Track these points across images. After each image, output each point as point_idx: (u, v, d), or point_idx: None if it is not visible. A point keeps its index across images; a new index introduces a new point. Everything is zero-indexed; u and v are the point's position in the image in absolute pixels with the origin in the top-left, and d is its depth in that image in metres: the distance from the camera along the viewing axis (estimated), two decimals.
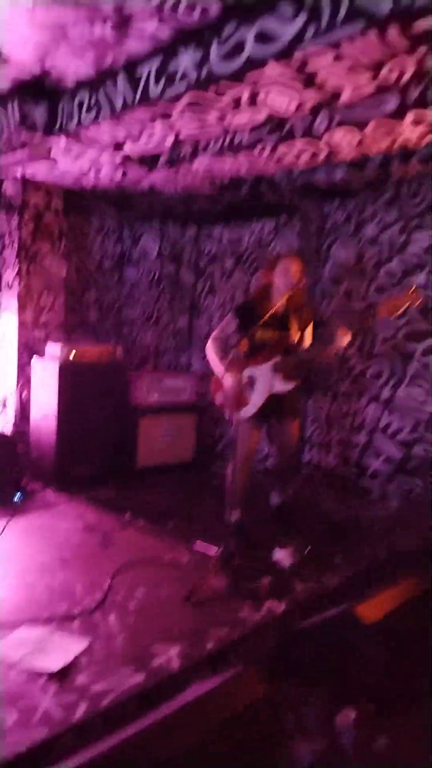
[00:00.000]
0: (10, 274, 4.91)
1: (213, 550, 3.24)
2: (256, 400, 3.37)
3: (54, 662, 2.25)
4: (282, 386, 3.35)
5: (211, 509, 4.03)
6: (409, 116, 2.88)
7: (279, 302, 3.21)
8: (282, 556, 3.22)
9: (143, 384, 4.96)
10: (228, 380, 3.32)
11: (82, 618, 2.60)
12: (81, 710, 2.00)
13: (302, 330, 3.46)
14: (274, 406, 3.40)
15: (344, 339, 3.22)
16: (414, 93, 2.67)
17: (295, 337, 3.42)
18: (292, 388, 3.39)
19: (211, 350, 3.47)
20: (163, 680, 2.20)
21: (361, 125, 3.02)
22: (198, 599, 2.78)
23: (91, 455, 4.63)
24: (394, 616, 2.41)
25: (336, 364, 4.58)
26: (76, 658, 2.29)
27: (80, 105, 3.26)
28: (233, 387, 3.27)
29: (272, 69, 2.41)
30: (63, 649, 2.34)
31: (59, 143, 3.59)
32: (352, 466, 4.80)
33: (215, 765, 1.87)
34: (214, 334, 3.49)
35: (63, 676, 2.18)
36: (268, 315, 3.14)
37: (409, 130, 3.08)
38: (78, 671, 2.22)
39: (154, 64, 2.81)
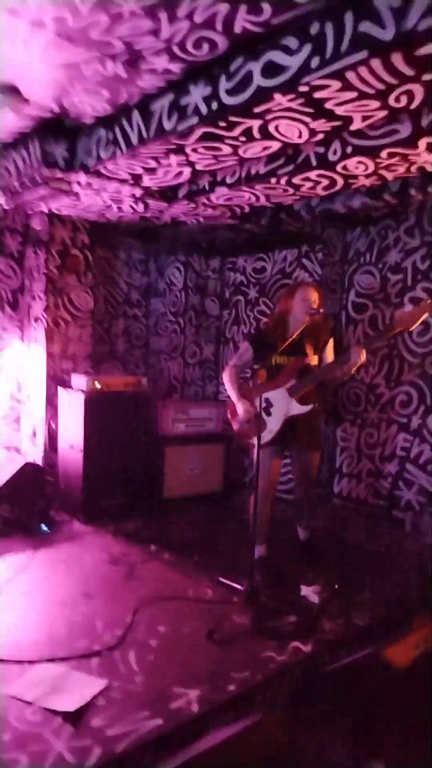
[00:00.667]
0: (38, 307, 5.01)
1: (238, 586, 3.15)
2: (272, 425, 3.31)
3: (70, 703, 2.19)
4: (298, 409, 3.30)
5: (237, 542, 3.94)
6: (424, 142, 2.84)
7: (297, 329, 3.17)
8: (309, 592, 3.11)
9: (169, 414, 4.95)
10: (242, 406, 3.29)
11: (102, 656, 2.54)
12: (95, 755, 1.94)
13: (319, 353, 3.43)
14: (292, 433, 3.33)
15: (359, 357, 3.17)
16: (426, 118, 2.64)
17: (312, 360, 3.38)
18: (309, 410, 3.32)
19: (227, 378, 3.47)
20: (181, 725, 2.12)
21: (375, 152, 2.99)
22: (221, 637, 2.70)
23: (118, 486, 4.62)
24: (426, 661, 2.26)
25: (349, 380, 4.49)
26: (93, 698, 2.23)
27: (98, 141, 3.34)
28: (248, 412, 3.23)
29: (280, 100, 2.42)
30: (80, 689, 2.29)
31: (80, 179, 3.68)
32: (384, 498, 4.65)
33: None
34: (231, 362, 3.50)
35: (78, 717, 2.12)
36: (287, 343, 3.10)
37: (425, 155, 3.03)
38: (94, 713, 2.16)
39: (166, 100, 2.86)
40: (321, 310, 3.34)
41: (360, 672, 2.32)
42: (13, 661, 2.48)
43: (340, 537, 4.23)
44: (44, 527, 4.16)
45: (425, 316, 3.13)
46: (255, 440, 3.07)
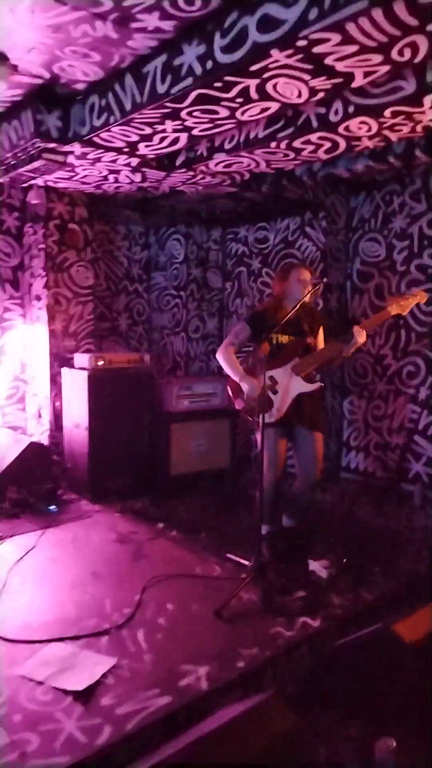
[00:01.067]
0: (38, 285, 4.93)
1: (246, 562, 3.13)
2: (279, 404, 3.24)
3: (79, 681, 2.19)
4: (304, 387, 3.23)
5: (244, 519, 3.92)
6: (429, 99, 2.70)
7: (293, 309, 3.11)
8: (317, 568, 3.08)
9: (173, 390, 4.90)
10: (247, 383, 3.21)
11: (110, 635, 2.53)
12: (105, 734, 1.94)
13: (315, 334, 3.39)
14: (298, 412, 3.27)
15: (361, 337, 3.13)
16: None
17: (310, 340, 3.34)
18: (315, 389, 3.27)
19: (224, 356, 3.35)
20: (190, 702, 2.11)
21: (378, 111, 2.86)
22: (229, 615, 2.68)
23: (124, 464, 4.59)
24: None
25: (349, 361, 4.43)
26: (102, 677, 2.22)
27: (91, 109, 3.22)
28: (255, 390, 3.15)
29: (277, 56, 2.29)
30: (89, 668, 2.28)
31: (74, 149, 3.57)
32: (392, 470, 4.60)
33: None
34: (227, 340, 3.39)
35: (88, 696, 2.12)
36: (283, 321, 3.03)
37: (430, 113, 2.89)
38: (103, 692, 2.15)
39: (159, 61, 2.73)
40: (315, 290, 3.28)
41: (369, 647, 2.29)
42: (23, 641, 2.48)
43: (348, 511, 4.19)
44: (51, 507, 4.15)
45: (415, 302, 3.23)
46: (260, 419, 3.00)
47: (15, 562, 3.28)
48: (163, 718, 2.02)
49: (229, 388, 3.42)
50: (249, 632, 2.54)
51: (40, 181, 4.45)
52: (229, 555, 3.29)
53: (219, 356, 3.38)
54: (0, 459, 4.35)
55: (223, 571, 3.16)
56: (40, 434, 4.98)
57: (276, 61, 2.34)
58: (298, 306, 3.09)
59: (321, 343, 3.44)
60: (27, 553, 3.41)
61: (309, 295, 3.20)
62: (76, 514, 4.14)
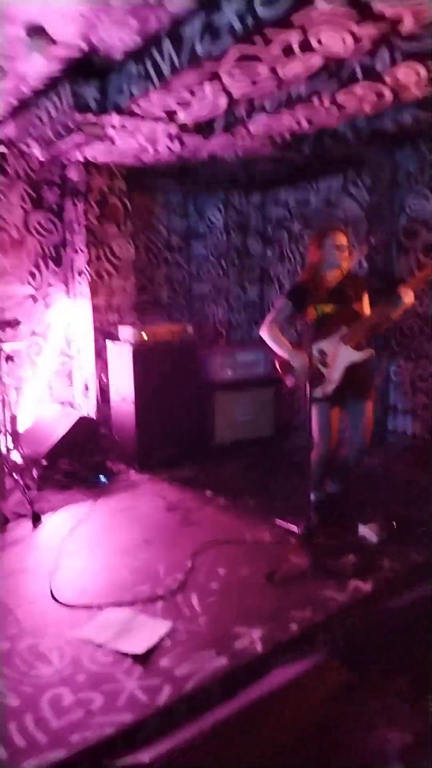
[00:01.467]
0: (80, 260, 4.97)
1: (295, 528, 3.15)
2: (333, 375, 3.18)
3: (138, 644, 2.26)
4: (356, 356, 3.16)
5: (291, 485, 3.93)
6: None
7: (333, 276, 3.01)
8: (367, 532, 3.07)
9: (216, 360, 4.89)
10: (297, 358, 3.15)
11: (165, 599, 2.60)
12: (165, 694, 2.01)
13: (360, 300, 3.26)
14: (349, 382, 3.21)
15: (408, 297, 3.01)
16: None
17: (356, 307, 3.23)
18: (367, 357, 3.19)
19: (268, 333, 3.26)
20: (246, 663, 2.16)
21: (427, 57, 2.70)
22: (280, 578, 2.71)
23: (170, 435, 4.65)
24: None
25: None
26: (160, 640, 2.29)
27: (129, 78, 3.16)
28: (306, 364, 3.08)
29: (321, 6, 2.18)
30: (147, 632, 2.36)
31: (113, 121, 3.52)
32: None
33: (301, 754, 1.79)
34: (268, 317, 3.29)
35: (147, 658, 2.19)
36: (323, 291, 2.94)
37: None
38: (161, 654, 2.22)
39: (197, 22, 2.64)
40: (352, 254, 3.18)
41: (421, 609, 2.28)
42: (82, 606, 2.57)
43: (396, 474, 4.15)
44: (102, 478, 4.25)
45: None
46: (312, 392, 2.95)
47: (70, 530, 3.39)
48: (220, 678, 2.08)
49: (277, 364, 3.36)
50: (300, 596, 2.57)
51: (79, 156, 4.43)
52: (277, 521, 3.31)
53: (263, 334, 3.30)
54: (51, 433, 4.46)
55: (272, 537, 3.19)
56: (88, 408, 5.08)
57: (321, 11, 2.23)
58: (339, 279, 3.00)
59: (367, 308, 3.32)
60: (80, 522, 3.52)
61: (348, 261, 3.11)
62: (125, 484, 4.23)
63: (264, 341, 3.30)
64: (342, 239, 3.19)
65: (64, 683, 2.07)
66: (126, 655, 2.21)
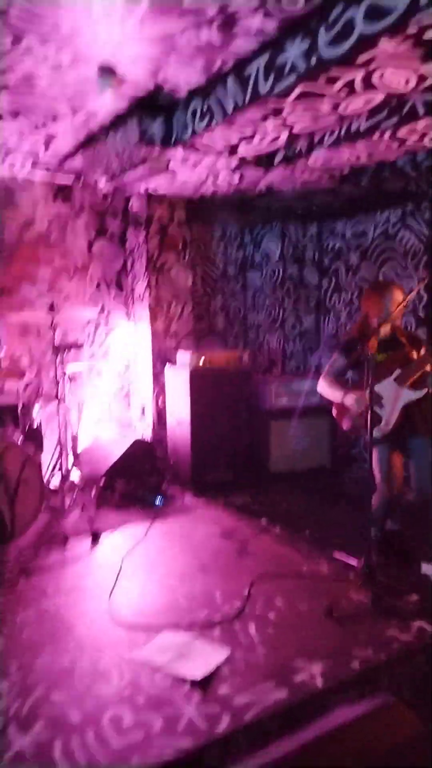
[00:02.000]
0: (141, 287, 5.14)
1: (354, 562, 3.09)
2: (387, 417, 3.17)
3: (196, 670, 2.26)
4: (411, 395, 3.14)
5: (349, 518, 3.86)
6: None
7: (385, 331, 3.10)
8: (430, 571, 2.98)
9: (271, 388, 4.91)
10: (352, 398, 3.18)
11: (223, 626, 2.60)
12: (225, 723, 1.99)
13: (417, 349, 3.25)
14: (408, 422, 3.18)
15: None
16: None
17: (410, 350, 3.23)
18: (423, 395, 3.15)
19: (325, 386, 3.39)
20: (306, 698, 2.12)
21: None
22: (340, 614, 2.65)
23: (225, 460, 4.67)
24: None
25: None
26: (218, 667, 2.29)
27: (193, 114, 3.30)
28: (361, 403, 3.09)
29: (386, 46, 2.23)
30: (205, 657, 2.35)
31: (176, 154, 3.67)
32: None
33: None
34: (324, 372, 3.42)
35: (205, 684, 2.19)
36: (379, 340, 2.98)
37: None
38: (220, 681, 2.21)
39: (261, 61, 2.74)
40: (402, 308, 3.18)
41: None
42: (140, 627, 2.60)
43: None
44: (157, 500, 4.31)
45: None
46: (368, 433, 2.93)
47: (127, 551, 3.44)
48: (280, 711, 2.05)
49: (334, 411, 3.40)
50: (361, 633, 2.51)
51: (141, 188, 4.62)
52: (336, 554, 3.26)
53: (320, 389, 3.44)
54: (108, 453, 4.56)
55: (330, 570, 3.14)
56: (144, 430, 5.18)
57: (384, 50, 2.29)
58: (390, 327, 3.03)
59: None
60: (138, 543, 3.57)
61: (400, 317, 3.12)
62: (180, 507, 4.27)
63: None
64: (398, 295, 3.21)
65: (124, 703, 2.09)
66: (184, 679, 2.22)
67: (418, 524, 3.52)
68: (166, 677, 2.24)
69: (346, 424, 3.31)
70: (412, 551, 3.25)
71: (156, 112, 3.50)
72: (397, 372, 3.17)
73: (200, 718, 2.01)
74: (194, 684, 2.19)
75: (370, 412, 2.90)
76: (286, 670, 2.26)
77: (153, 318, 5.07)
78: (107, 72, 3.03)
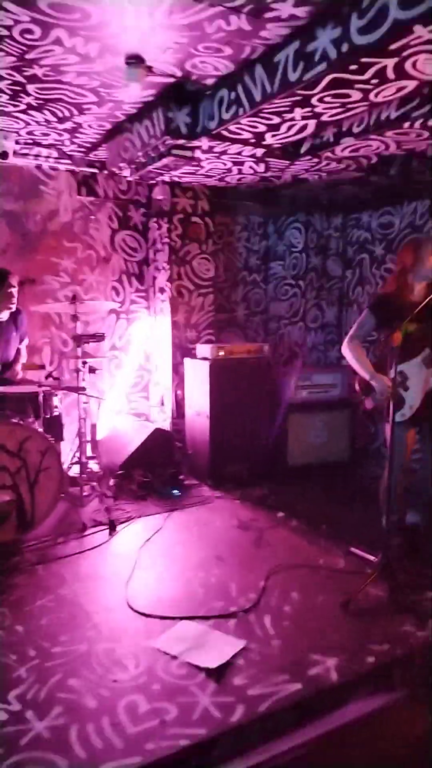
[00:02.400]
0: (162, 278, 5.12)
1: (371, 557, 3.06)
2: (412, 401, 3.08)
3: (212, 660, 2.27)
4: None
5: (366, 513, 3.82)
6: None
7: (422, 291, 2.91)
8: None
9: (292, 381, 4.88)
10: (379, 383, 3.07)
11: (239, 617, 2.60)
12: (239, 713, 2.00)
13: None
14: (428, 405, 3.10)
15: None
16: None
17: None
18: None
19: (349, 350, 3.18)
20: (321, 691, 2.11)
21: None
22: (356, 609, 2.64)
23: (243, 453, 4.66)
24: None
25: None
26: (233, 657, 2.29)
27: (220, 103, 3.26)
28: (386, 390, 3.00)
29: (421, 32, 2.18)
30: (220, 648, 2.36)
31: (202, 144, 3.64)
32: None
33: None
34: (350, 332, 3.21)
35: (220, 674, 2.19)
36: (419, 308, 2.80)
37: None
38: (234, 672, 2.22)
39: (291, 49, 2.70)
40: None
41: None
42: (157, 616, 2.61)
43: None
44: (175, 491, 4.32)
45: None
46: (393, 417, 2.86)
47: (145, 541, 3.46)
48: (294, 703, 2.05)
49: (357, 384, 3.28)
50: (377, 628, 2.50)
51: (165, 177, 4.60)
52: (352, 549, 3.24)
53: (345, 351, 3.23)
54: (127, 443, 4.59)
55: (347, 564, 3.13)
56: (163, 421, 5.19)
57: (419, 37, 2.23)
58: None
59: None
60: (155, 533, 3.58)
61: None
62: (198, 498, 4.27)
63: (340, 360, 3.23)
64: None
65: (140, 691, 2.11)
66: (199, 668, 2.23)
67: None
68: (181, 666, 2.26)
69: (368, 403, 3.20)
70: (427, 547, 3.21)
71: (183, 102, 3.47)
72: (426, 352, 3.06)
73: (215, 708, 2.02)
74: (209, 673, 2.20)
75: (392, 394, 2.78)
76: (301, 663, 2.26)
77: (174, 309, 5.06)
78: (135, 62, 3.01)
